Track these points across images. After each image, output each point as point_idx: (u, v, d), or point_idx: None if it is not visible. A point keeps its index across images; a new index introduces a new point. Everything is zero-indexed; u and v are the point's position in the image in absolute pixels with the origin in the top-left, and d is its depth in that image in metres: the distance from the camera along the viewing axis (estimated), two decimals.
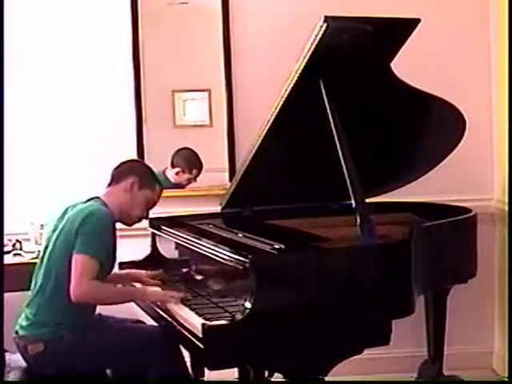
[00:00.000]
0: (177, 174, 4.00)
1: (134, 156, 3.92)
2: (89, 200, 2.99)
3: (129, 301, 3.05)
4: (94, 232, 2.83)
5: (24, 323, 2.90)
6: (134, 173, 3.05)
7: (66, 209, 3.02)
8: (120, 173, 3.06)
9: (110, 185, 3.06)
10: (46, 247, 2.97)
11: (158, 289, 3.09)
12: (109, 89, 3.96)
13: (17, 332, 2.92)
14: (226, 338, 2.47)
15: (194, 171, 3.99)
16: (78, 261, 2.80)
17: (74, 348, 2.82)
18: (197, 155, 3.98)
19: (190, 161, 3.98)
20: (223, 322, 2.53)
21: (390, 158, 3.40)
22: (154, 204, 3.12)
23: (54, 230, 2.99)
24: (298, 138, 3.18)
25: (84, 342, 2.83)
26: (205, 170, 4.03)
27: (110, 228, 2.89)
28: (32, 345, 2.84)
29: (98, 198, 3.00)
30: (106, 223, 2.88)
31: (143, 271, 3.27)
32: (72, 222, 2.87)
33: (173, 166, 4.00)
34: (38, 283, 2.91)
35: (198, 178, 4.01)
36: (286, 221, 3.39)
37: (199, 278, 3.10)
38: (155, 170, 3.96)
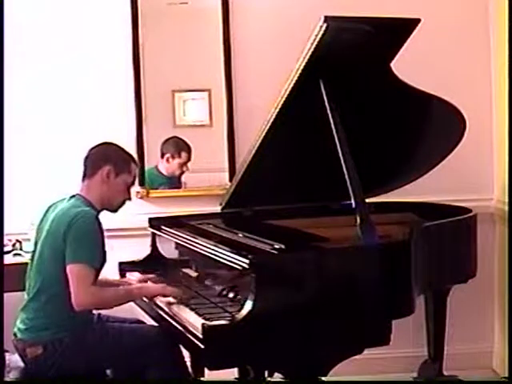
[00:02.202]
0: (167, 161, 3.99)
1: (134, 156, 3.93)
2: (69, 199, 2.94)
3: (130, 301, 3.04)
4: (81, 237, 2.79)
5: (22, 327, 2.89)
6: (108, 160, 2.96)
7: (48, 208, 3.00)
8: (93, 164, 2.98)
9: (84, 177, 2.99)
10: (35, 250, 2.96)
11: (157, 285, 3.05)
12: (109, 89, 3.96)
13: (15, 335, 2.92)
14: (226, 337, 2.47)
15: (183, 154, 3.98)
16: (73, 271, 2.77)
17: (74, 350, 2.81)
18: (184, 140, 3.98)
19: (177, 144, 3.99)
20: (223, 322, 2.53)
21: (390, 157, 3.40)
22: (133, 183, 3.08)
23: (38, 232, 2.98)
24: (297, 138, 3.18)
25: (83, 344, 2.83)
26: (205, 170, 4.03)
27: (96, 228, 2.85)
28: (31, 348, 2.83)
29: (78, 194, 2.96)
30: (91, 224, 2.83)
31: (135, 277, 3.24)
32: (57, 226, 2.84)
33: (162, 155, 4.01)
34: (32, 288, 2.90)
35: (189, 165, 4.00)
36: (286, 221, 3.39)
37: (199, 278, 3.10)
38: (148, 167, 3.99)
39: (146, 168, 3.98)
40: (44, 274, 2.87)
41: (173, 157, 3.99)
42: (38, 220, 3.02)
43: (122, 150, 3.05)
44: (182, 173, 4.02)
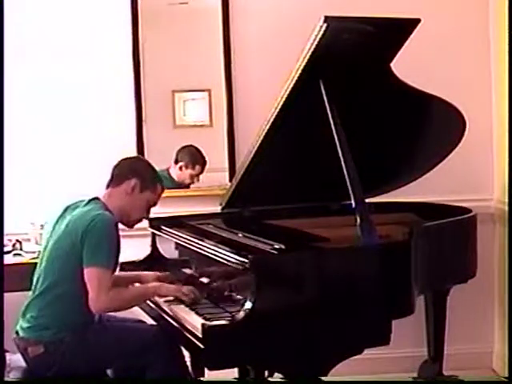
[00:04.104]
0: (180, 169, 4.00)
1: None
2: (89, 202, 2.94)
3: (146, 300, 3.04)
4: (100, 241, 2.79)
5: (24, 325, 2.89)
6: (136, 174, 2.97)
7: (66, 208, 2.98)
8: (121, 174, 2.99)
9: (109, 185, 3.00)
10: (45, 248, 2.96)
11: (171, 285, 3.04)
12: (109, 89, 3.96)
13: (17, 333, 2.92)
14: (226, 337, 2.47)
15: (197, 167, 3.99)
16: (92, 274, 2.77)
17: (75, 349, 2.81)
18: (201, 153, 3.98)
19: (194, 156, 3.98)
20: (223, 322, 2.53)
21: (390, 158, 3.40)
22: (155, 204, 3.08)
23: (52, 231, 2.97)
24: (297, 138, 3.18)
25: (84, 344, 2.83)
26: (205, 170, 4.03)
27: (114, 232, 2.85)
28: (32, 347, 2.83)
29: (97, 199, 2.96)
30: (110, 228, 2.83)
31: (151, 273, 3.23)
32: (74, 228, 2.83)
33: (176, 162, 4.01)
34: (39, 286, 2.90)
35: (201, 177, 4.01)
36: (286, 221, 3.39)
37: (199, 278, 3.10)
38: (158, 168, 4.00)
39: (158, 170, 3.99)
40: (54, 273, 2.86)
41: (186, 167, 3.99)
42: (54, 219, 2.98)
43: (153, 168, 3.06)
44: (192, 182, 4.03)
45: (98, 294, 2.76)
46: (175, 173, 4.01)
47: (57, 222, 2.98)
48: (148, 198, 3.01)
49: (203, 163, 3.98)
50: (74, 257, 2.81)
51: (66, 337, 2.81)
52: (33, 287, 2.94)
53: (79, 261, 2.80)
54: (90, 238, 2.78)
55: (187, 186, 4.04)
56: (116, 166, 3.03)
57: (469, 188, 4.00)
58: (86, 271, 2.78)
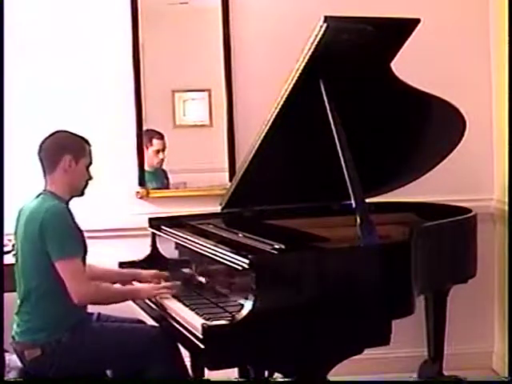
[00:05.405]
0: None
1: (135, 158, 3.93)
2: (37, 197, 2.93)
3: (125, 300, 3.04)
4: (60, 233, 2.80)
5: (18, 330, 2.89)
6: (65, 150, 2.93)
7: (20, 212, 2.99)
8: (51, 156, 2.95)
9: (45, 172, 2.96)
10: (16, 255, 2.98)
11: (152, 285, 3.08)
12: (109, 89, 3.96)
13: (13, 337, 2.92)
14: (226, 337, 2.47)
15: (155, 141, 4.00)
16: (64, 268, 2.78)
17: (73, 350, 2.81)
18: (153, 129, 4.00)
19: (147, 133, 4.00)
20: (223, 322, 2.53)
21: (390, 158, 3.40)
22: (91, 163, 3.03)
23: (15, 237, 2.99)
24: (298, 138, 3.18)
25: (82, 344, 2.83)
26: (205, 170, 4.03)
27: (69, 219, 2.85)
28: (29, 350, 2.83)
29: (44, 191, 2.95)
30: (64, 218, 2.83)
31: (149, 271, 3.24)
32: (31, 227, 2.84)
33: None
34: (21, 292, 2.91)
35: (166, 153, 4.02)
36: (286, 221, 3.39)
37: (199, 278, 3.10)
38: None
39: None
40: (29, 277, 2.87)
41: (146, 147, 4.01)
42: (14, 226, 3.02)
43: (74, 134, 3.01)
44: (161, 162, 4.02)
45: (78, 284, 2.78)
46: (146, 162, 4.00)
47: (16, 227, 2.99)
48: (85, 164, 2.98)
49: (160, 137, 4.00)
50: (40, 255, 2.82)
51: (62, 337, 2.81)
52: (17, 293, 2.95)
53: (47, 257, 2.80)
54: (48, 234, 2.80)
55: (165, 174, 4.03)
56: (40, 152, 2.97)
57: (469, 188, 3.99)
58: (57, 265, 2.79)
